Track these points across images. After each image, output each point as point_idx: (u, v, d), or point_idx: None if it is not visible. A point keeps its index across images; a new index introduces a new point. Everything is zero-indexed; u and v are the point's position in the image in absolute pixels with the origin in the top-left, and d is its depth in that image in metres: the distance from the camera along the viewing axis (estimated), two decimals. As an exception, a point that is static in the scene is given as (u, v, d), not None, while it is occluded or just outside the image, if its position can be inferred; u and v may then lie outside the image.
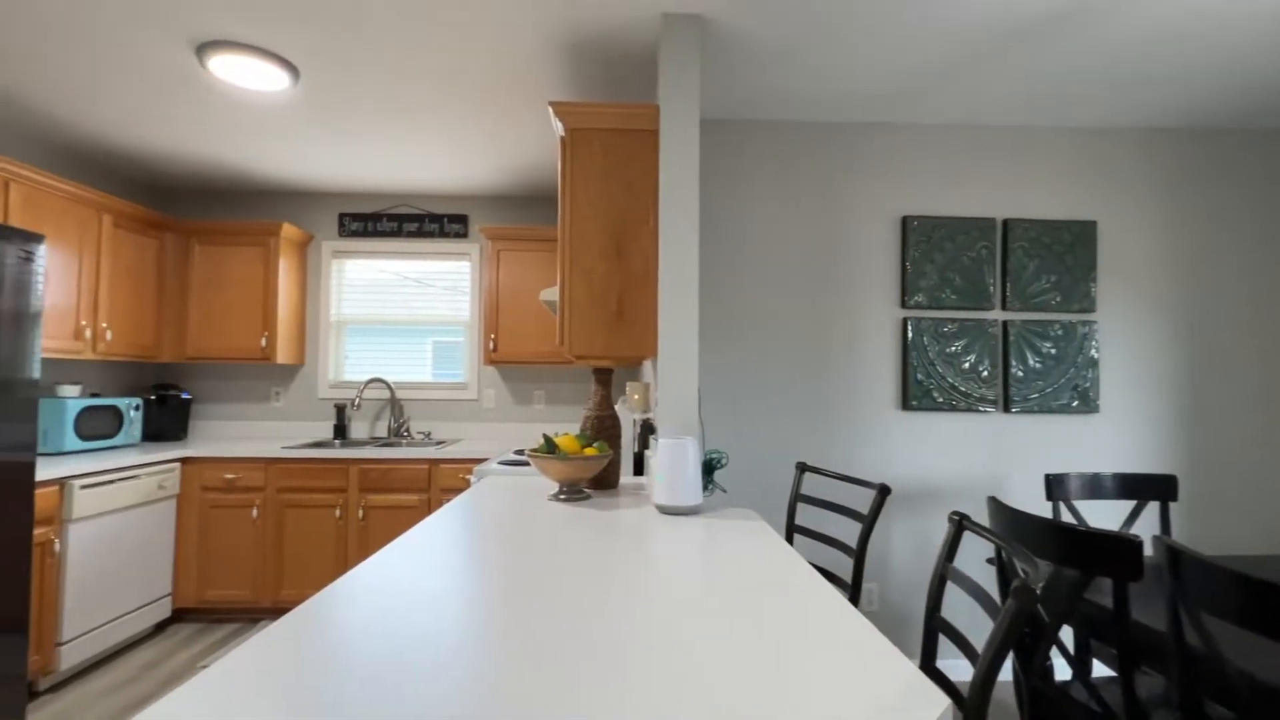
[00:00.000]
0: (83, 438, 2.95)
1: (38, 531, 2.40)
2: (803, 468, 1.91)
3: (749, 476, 2.67)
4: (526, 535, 1.47)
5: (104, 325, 3.09)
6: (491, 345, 3.58)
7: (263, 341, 3.54)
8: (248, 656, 0.80)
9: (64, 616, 2.51)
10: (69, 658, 2.53)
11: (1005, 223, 2.73)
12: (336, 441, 3.69)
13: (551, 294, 2.48)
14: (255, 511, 3.19)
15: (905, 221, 2.71)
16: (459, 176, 3.57)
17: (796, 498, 1.88)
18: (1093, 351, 2.70)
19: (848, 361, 2.70)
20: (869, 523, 1.55)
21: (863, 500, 2.66)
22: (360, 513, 3.21)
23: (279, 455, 3.21)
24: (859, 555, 1.55)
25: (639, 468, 2.62)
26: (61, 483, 2.52)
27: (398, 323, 3.94)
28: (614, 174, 2.04)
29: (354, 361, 3.95)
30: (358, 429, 3.88)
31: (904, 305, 2.70)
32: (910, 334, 2.67)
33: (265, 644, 0.84)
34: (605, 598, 1.04)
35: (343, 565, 3.20)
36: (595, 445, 1.98)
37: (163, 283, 3.50)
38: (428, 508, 3.23)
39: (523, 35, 2.10)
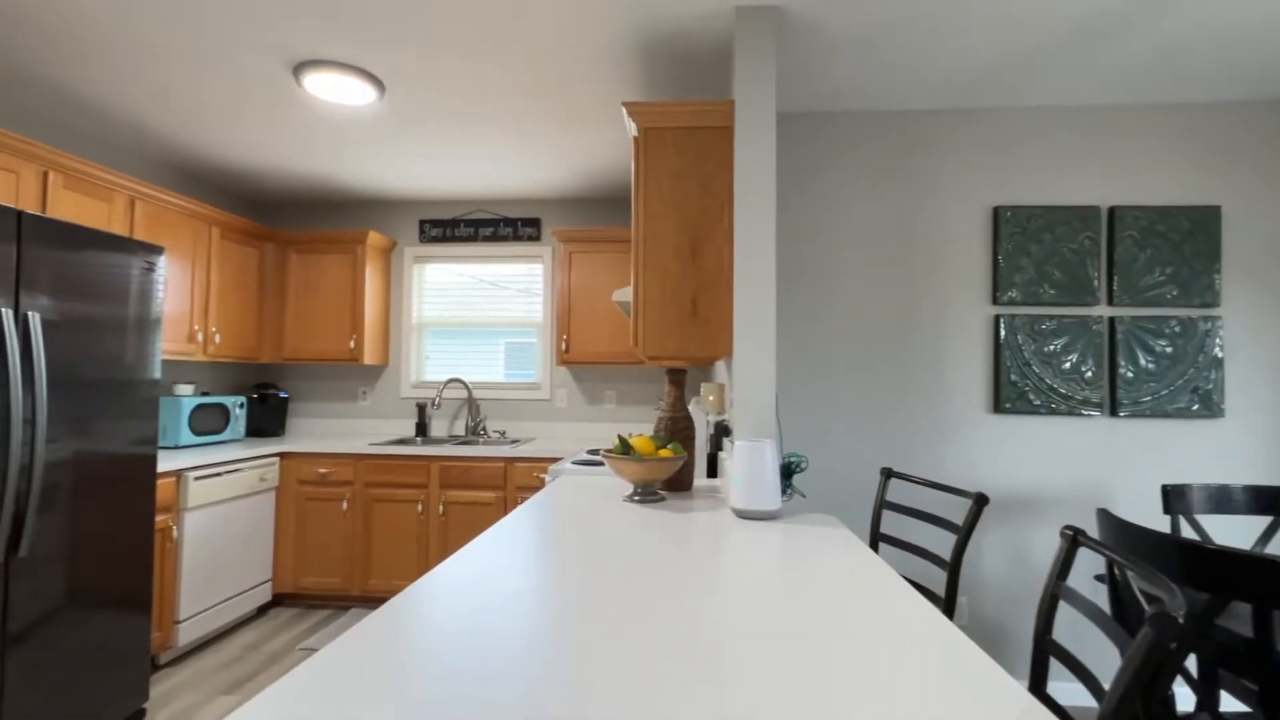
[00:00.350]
0: (195, 433, 3.20)
1: (158, 519, 2.62)
2: (888, 473, 1.82)
3: (828, 481, 2.58)
4: (601, 536, 1.47)
5: (213, 329, 3.34)
6: (564, 346, 3.63)
7: (351, 343, 3.73)
8: (355, 644, 0.83)
9: (180, 597, 2.73)
10: (185, 635, 2.75)
11: (1111, 211, 2.51)
12: (418, 439, 3.84)
13: (624, 294, 2.49)
14: (345, 505, 3.37)
15: (997, 212, 2.54)
16: (532, 180, 3.64)
17: (881, 504, 1.79)
18: (1216, 350, 2.45)
19: (933, 361, 2.56)
20: (964, 534, 1.46)
21: (953, 509, 2.52)
22: (441, 508, 3.33)
23: (366, 451, 3.38)
24: (953, 568, 1.45)
25: (713, 469, 2.58)
26: (178, 474, 2.74)
27: (474, 324, 4.07)
28: (688, 173, 2.02)
29: (434, 362, 4.11)
30: (437, 427, 4.03)
31: (996, 301, 2.53)
32: (1003, 332, 2.51)
33: (364, 634, 0.87)
34: (682, 604, 1.02)
35: (425, 558, 3.33)
36: (670, 447, 1.97)
37: (263, 289, 3.76)
38: (504, 505, 3.31)
39: (597, 39, 2.11)
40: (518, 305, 4.06)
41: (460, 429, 4.02)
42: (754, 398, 1.88)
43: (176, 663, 2.75)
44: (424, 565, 3.33)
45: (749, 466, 1.70)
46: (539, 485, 3.29)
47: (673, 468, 1.90)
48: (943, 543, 2.50)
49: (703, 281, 2.00)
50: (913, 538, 2.50)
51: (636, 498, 1.92)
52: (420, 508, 3.34)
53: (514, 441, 3.72)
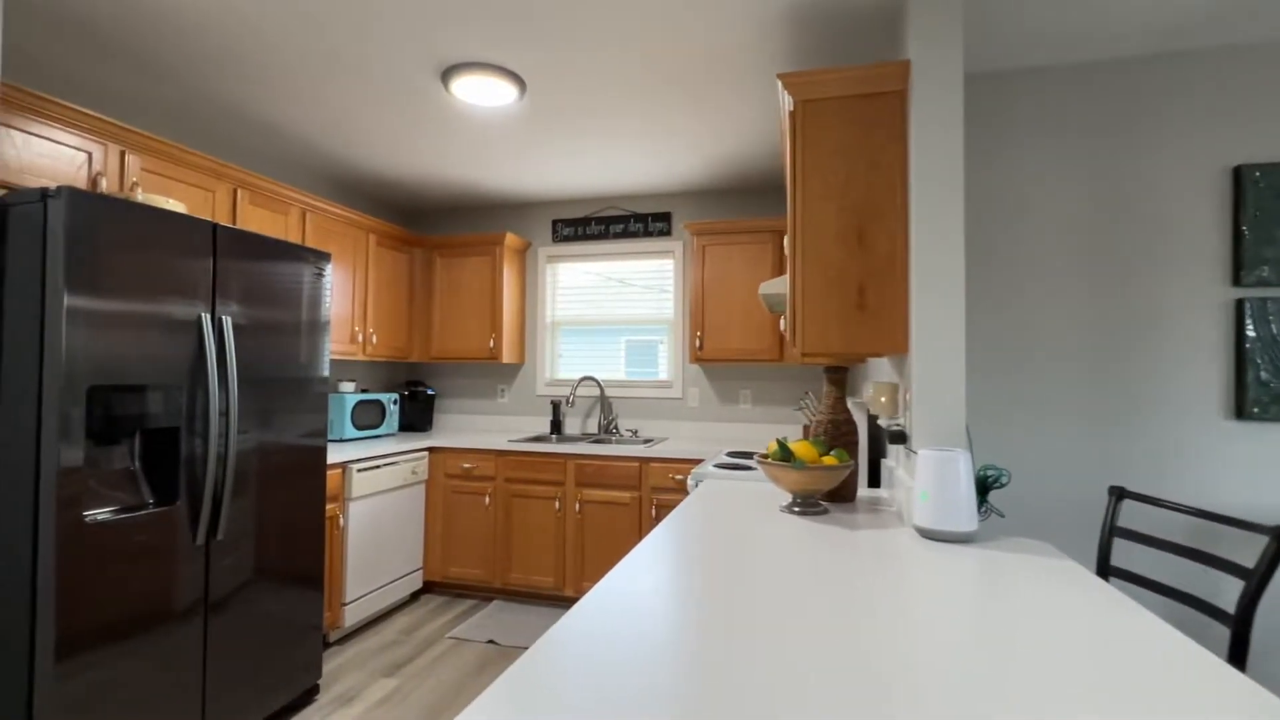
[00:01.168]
0: (357, 428, 3.43)
1: (328, 507, 2.81)
2: (1119, 494, 1.50)
3: (1020, 498, 2.24)
4: (766, 554, 1.31)
5: (371, 330, 3.57)
6: (697, 343, 3.50)
7: (491, 342, 3.84)
8: (542, 660, 0.74)
9: (347, 580, 2.92)
10: (350, 616, 2.94)
11: None
12: (553, 436, 3.89)
13: (772, 287, 2.30)
14: (488, 499, 3.46)
15: (1239, 173, 2.07)
16: (663, 174, 3.55)
17: (1111, 531, 1.48)
18: None
19: (1148, 357, 2.14)
20: (1259, 579, 1.14)
21: (1200, 538, 2.08)
22: (577, 507, 3.33)
23: (506, 448, 3.45)
24: (1241, 619, 1.14)
25: (874, 478, 2.34)
26: (344, 466, 2.94)
27: (606, 323, 4.05)
28: (853, 147, 1.80)
29: (566, 360, 4.14)
30: (571, 425, 4.06)
31: (1238, 283, 2.06)
32: (1249, 320, 2.03)
33: (552, 646, 0.78)
34: (869, 643, 0.84)
35: (562, 556, 3.35)
36: (834, 453, 1.77)
37: (412, 292, 3.97)
38: (639, 506, 3.25)
39: (741, 10, 1.95)
40: (648, 302, 3.99)
41: (593, 426, 4.02)
42: (938, 400, 1.63)
43: (343, 642, 2.95)
44: (561, 563, 3.35)
45: (938, 480, 1.47)
46: (676, 487, 3.19)
47: (838, 477, 1.71)
48: (1197, 578, 2.07)
49: (871, 269, 1.77)
50: (1140, 569, 2.10)
51: (796, 509, 1.74)
52: (558, 505, 3.36)
53: (647, 441, 3.65)
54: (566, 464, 3.37)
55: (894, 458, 2.03)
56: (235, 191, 2.71)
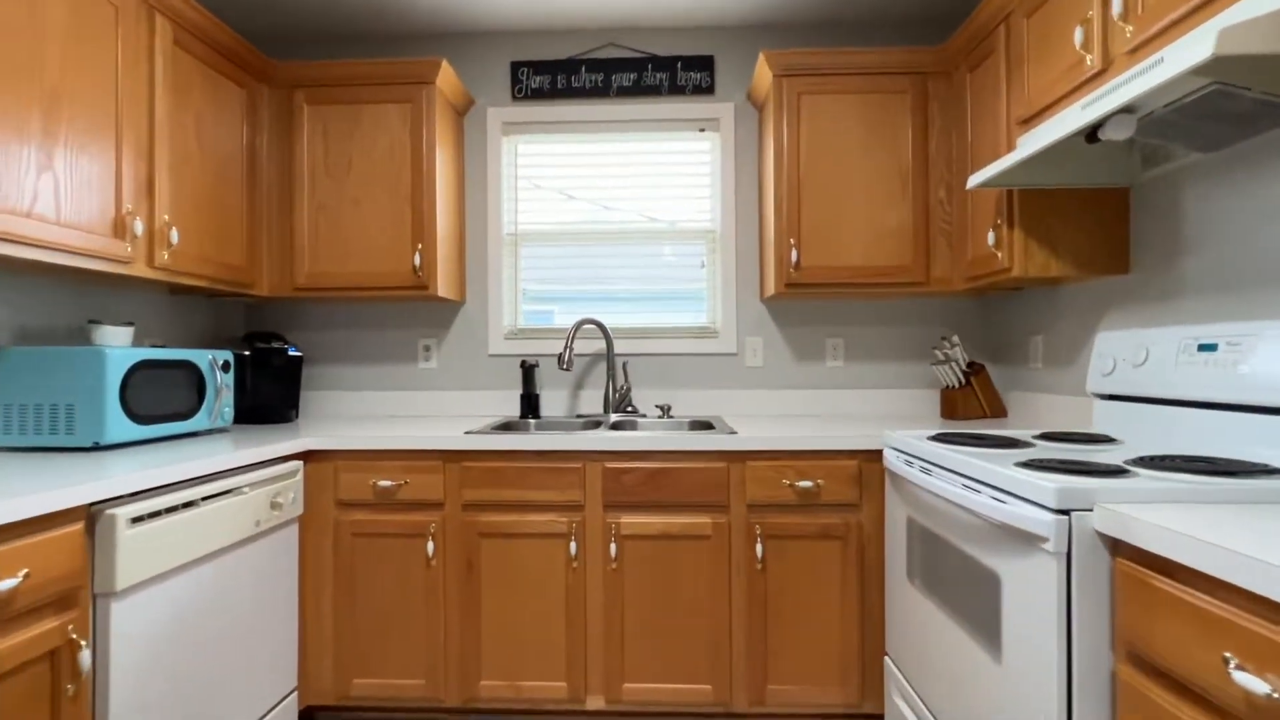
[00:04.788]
0: (138, 419, 1.61)
1: (36, 632, 1.05)
2: None
3: None
4: None
5: (165, 219, 1.74)
6: (793, 259, 2.10)
7: (415, 260, 2.14)
8: None
9: (107, 798, 1.18)
10: None
11: None
12: (530, 421, 2.30)
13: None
14: (431, 544, 1.81)
15: None
16: (730, -31, 2.07)
17: None
18: None
19: None
20: None
21: None
22: (612, 548, 1.80)
23: (465, 446, 1.82)
24: None
25: None
26: (89, 513, 1.17)
27: (604, 238, 2.50)
28: None
29: (537, 298, 2.54)
30: (551, 402, 2.48)
31: None
32: None
33: None
34: None
35: (581, 638, 1.81)
36: None
37: (255, 166, 2.14)
38: (727, 541, 1.80)
39: None
40: (674, 203, 2.50)
41: (589, 404, 2.47)
42: None
43: None
44: (580, 651, 1.81)
45: None
46: (797, 503, 1.78)
47: None
48: None
49: None
50: None
51: None
52: (573, 548, 1.81)
53: (704, 425, 2.21)
54: (585, 469, 1.82)
55: None
56: None
